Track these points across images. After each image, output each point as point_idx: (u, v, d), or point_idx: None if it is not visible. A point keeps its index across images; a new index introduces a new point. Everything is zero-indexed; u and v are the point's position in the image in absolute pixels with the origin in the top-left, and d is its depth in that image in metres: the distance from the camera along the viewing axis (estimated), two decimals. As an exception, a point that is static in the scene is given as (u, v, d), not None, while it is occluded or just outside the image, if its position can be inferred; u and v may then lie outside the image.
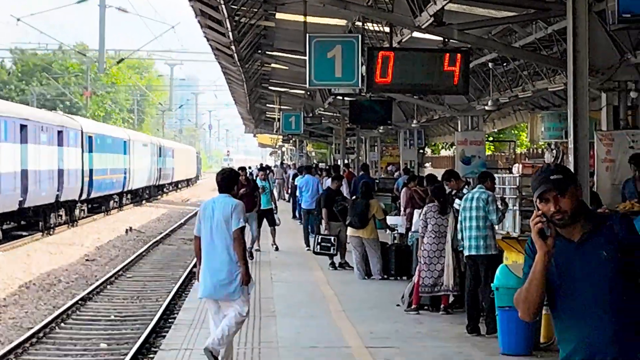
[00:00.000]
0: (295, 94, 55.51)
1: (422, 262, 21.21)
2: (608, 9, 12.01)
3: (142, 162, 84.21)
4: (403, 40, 25.89)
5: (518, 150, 55.69)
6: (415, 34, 24.45)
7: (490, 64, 33.19)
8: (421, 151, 56.44)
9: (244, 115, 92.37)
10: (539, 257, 6.23)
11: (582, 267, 6.34)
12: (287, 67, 44.79)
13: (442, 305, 21.11)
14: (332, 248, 28.98)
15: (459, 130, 42.64)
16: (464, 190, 22.25)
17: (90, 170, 61.02)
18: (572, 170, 16.88)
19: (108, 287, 32.59)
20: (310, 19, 26.56)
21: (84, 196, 60.67)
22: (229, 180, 15.64)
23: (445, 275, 20.83)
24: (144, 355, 21.29)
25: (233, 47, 35.06)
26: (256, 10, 30.18)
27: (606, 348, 6.32)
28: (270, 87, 56.56)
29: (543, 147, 43.92)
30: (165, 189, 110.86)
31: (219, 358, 14.75)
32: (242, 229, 14.92)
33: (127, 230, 56.61)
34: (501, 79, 36.46)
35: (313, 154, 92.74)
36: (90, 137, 61.09)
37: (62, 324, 25.60)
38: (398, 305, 21.72)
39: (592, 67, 17.90)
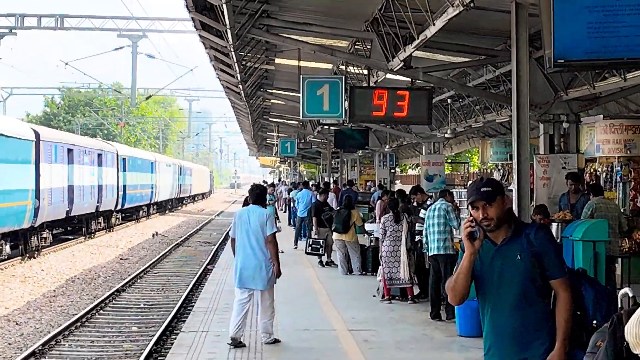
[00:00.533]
0: (291, 124, 55.62)
1: (382, 262, 21.50)
2: (545, 56, 11.99)
3: (165, 179, 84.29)
4: (378, 81, 25.97)
5: (471, 170, 55.85)
6: (389, 76, 24.49)
7: (449, 100, 33.46)
8: (392, 170, 56.63)
9: (249, 141, 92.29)
10: (466, 255, 6.56)
11: (499, 268, 6.65)
12: (284, 102, 44.95)
13: (409, 296, 21.31)
14: (320, 249, 29.19)
15: (424, 153, 42.96)
16: (428, 202, 22.40)
17: (124, 186, 60.94)
18: (516, 186, 16.95)
19: (138, 281, 32.58)
20: (303, 64, 26.60)
21: (118, 207, 60.58)
22: (262, 195, 16.60)
23: (402, 271, 21.09)
24: (167, 336, 21.42)
25: (240, 86, 35.07)
26: (259, 56, 30.27)
27: (505, 340, 6.82)
28: (270, 119, 56.66)
29: (492, 167, 44.13)
30: (184, 201, 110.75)
31: (274, 337, 16.00)
32: (275, 233, 15.54)
33: (153, 234, 56.35)
34: (457, 112, 36.66)
35: (304, 172, 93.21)
36: (124, 159, 61.12)
37: (101, 311, 25.81)
38: (374, 296, 21.85)
39: (532, 103, 17.95)
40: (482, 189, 6.82)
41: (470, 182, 23.41)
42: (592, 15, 11.18)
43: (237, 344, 15.60)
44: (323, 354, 15.36)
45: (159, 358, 18.34)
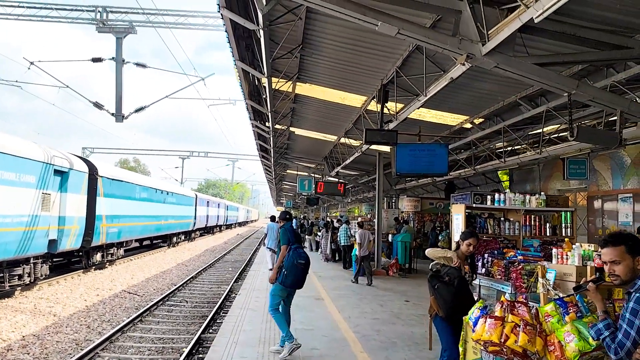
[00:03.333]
0: (289, 195, 54.81)
1: (321, 246, 20.94)
2: (392, 171, 11.99)
3: (242, 213, 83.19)
4: (326, 178, 25.72)
5: (355, 213, 55.21)
6: (329, 178, 24.34)
7: (350, 188, 33.03)
8: (327, 214, 56.00)
9: (273, 200, 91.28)
10: None
11: None
12: (289, 187, 44.38)
13: (331, 260, 20.56)
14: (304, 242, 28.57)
15: (339, 207, 42.61)
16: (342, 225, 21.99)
17: (226, 216, 59.90)
18: (376, 221, 16.74)
19: (233, 250, 31.20)
20: (299, 172, 26.33)
21: (225, 223, 59.42)
22: (274, 219, 16.13)
23: (328, 250, 20.55)
24: (249, 262, 19.84)
25: (274, 181, 34.77)
26: (282, 169, 29.82)
27: None
28: (283, 193, 55.82)
29: (365, 214, 43.60)
30: (248, 222, 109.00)
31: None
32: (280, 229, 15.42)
33: (237, 234, 55.22)
34: (354, 192, 36.35)
35: (294, 213, 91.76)
36: (227, 206, 60.28)
37: (227, 256, 23.88)
38: (322, 259, 21.00)
39: (384, 190, 17.87)
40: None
41: (358, 220, 23.24)
42: (409, 157, 11.14)
43: None
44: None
45: (249, 265, 17.35)
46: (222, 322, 9.21)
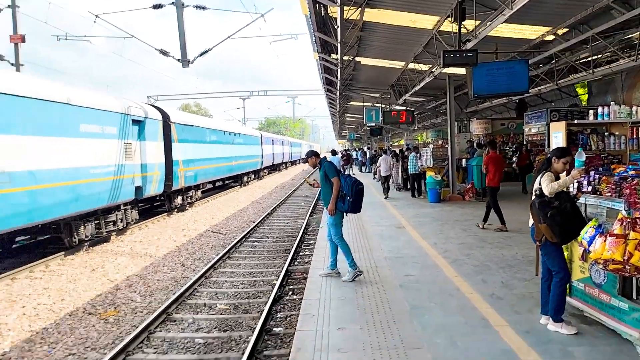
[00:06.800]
0: (352, 127, 54.34)
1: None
2: (469, 93, 11.57)
3: (303, 149, 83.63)
4: (391, 107, 25.05)
5: (420, 140, 53.78)
6: (396, 107, 23.71)
7: (417, 115, 32.13)
8: (389, 143, 55.33)
9: (335, 132, 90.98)
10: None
11: None
12: (354, 119, 43.87)
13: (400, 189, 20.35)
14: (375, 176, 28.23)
15: (405, 136, 41.85)
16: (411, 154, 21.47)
17: (291, 153, 60.58)
18: (449, 146, 16.37)
19: (300, 189, 31.89)
20: (365, 102, 25.83)
21: (289, 160, 60.14)
22: (335, 152, 15.56)
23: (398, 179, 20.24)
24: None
25: (337, 114, 34.45)
26: (346, 101, 29.19)
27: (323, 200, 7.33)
28: (345, 126, 55.38)
29: (430, 141, 42.59)
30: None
31: None
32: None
33: (302, 170, 56.03)
34: (420, 119, 35.39)
35: (355, 146, 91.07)
36: (290, 142, 60.80)
37: (291, 196, 24.98)
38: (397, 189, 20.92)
39: (457, 115, 17.32)
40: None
41: (428, 146, 22.57)
42: (487, 77, 10.69)
43: None
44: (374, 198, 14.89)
45: (320, 199, 17.45)
46: (311, 255, 9.48)
